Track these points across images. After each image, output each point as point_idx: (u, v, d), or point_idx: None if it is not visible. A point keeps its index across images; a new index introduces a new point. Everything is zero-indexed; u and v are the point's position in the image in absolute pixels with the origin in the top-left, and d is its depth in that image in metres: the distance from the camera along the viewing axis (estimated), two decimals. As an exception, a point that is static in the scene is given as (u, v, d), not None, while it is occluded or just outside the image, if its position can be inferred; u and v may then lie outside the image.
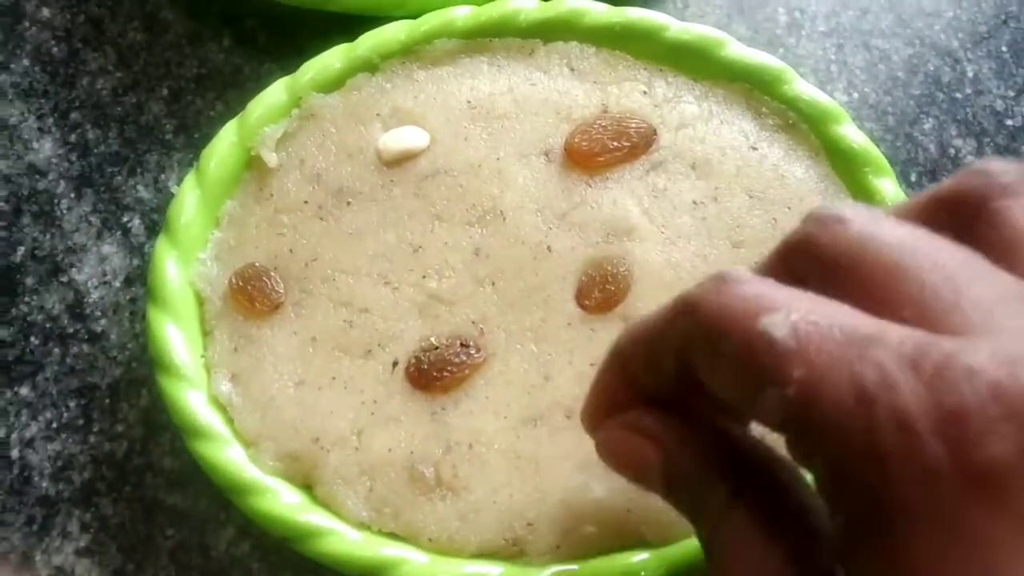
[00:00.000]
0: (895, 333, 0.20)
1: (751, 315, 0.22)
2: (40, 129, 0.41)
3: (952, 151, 0.40)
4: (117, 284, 0.39)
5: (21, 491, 0.36)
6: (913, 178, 0.40)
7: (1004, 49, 0.42)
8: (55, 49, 0.42)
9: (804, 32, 0.42)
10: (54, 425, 0.37)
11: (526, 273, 0.35)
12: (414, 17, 0.38)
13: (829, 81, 0.42)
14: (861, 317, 0.21)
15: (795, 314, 0.21)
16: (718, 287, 0.23)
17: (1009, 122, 0.41)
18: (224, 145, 0.37)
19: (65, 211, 0.40)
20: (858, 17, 0.43)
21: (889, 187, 0.36)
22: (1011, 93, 0.41)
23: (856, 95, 0.41)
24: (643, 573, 0.32)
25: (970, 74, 0.42)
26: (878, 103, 0.41)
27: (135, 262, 0.39)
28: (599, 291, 0.35)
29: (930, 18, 0.43)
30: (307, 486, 0.34)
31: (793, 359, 0.21)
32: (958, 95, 0.41)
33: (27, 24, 0.42)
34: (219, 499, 0.34)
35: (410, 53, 0.38)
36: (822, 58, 0.42)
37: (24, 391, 0.37)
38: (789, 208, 0.36)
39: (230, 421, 0.34)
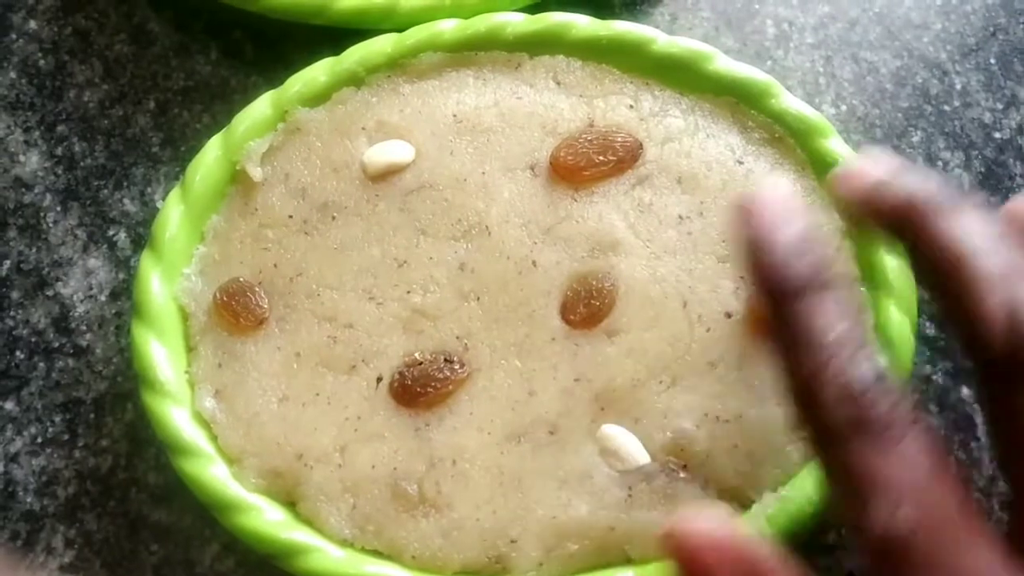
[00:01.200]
0: None
1: None
2: (26, 142, 0.41)
3: (940, 163, 0.40)
4: (103, 298, 0.39)
5: (5, 506, 0.36)
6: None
7: (992, 61, 0.42)
8: (42, 61, 0.42)
9: (792, 44, 0.42)
10: (39, 440, 0.37)
11: (511, 288, 0.35)
12: (400, 30, 0.38)
13: (817, 93, 0.42)
14: None
15: None
16: None
17: (997, 134, 0.41)
18: (209, 159, 0.37)
19: (51, 224, 0.40)
20: (846, 29, 0.43)
21: (875, 201, 0.36)
22: (999, 105, 0.41)
23: (844, 107, 0.41)
24: (626, 591, 0.32)
25: (958, 86, 0.42)
26: (866, 115, 0.41)
27: (121, 276, 0.39)
28: (584, 306, 0.35)
29: (918, 30, 0.43)
30: (290, 503, 0.34)
31: None
32: (946, 107, 0.41)
33: (14, 36, 0.42)
34: (204, 515, 0.34)
35: (396, 67, 0.38)
36: (810, 70, 0.42)
37: (9, 405, 0.37)
38: (775, 222, 0.36)
39: (214, 437, 0.34)
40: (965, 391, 0.37)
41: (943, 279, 0.27)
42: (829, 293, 0.26)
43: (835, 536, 0.35)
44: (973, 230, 0.27)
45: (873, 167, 0.29)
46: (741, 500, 0.33)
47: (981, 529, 0.25)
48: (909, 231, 0.28)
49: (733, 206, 0.29)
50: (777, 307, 0.27)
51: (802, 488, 0.33)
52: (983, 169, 0.40)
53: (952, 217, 0.27)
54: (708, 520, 0.25)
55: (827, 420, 0.25)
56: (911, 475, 0.24)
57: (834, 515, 0.32)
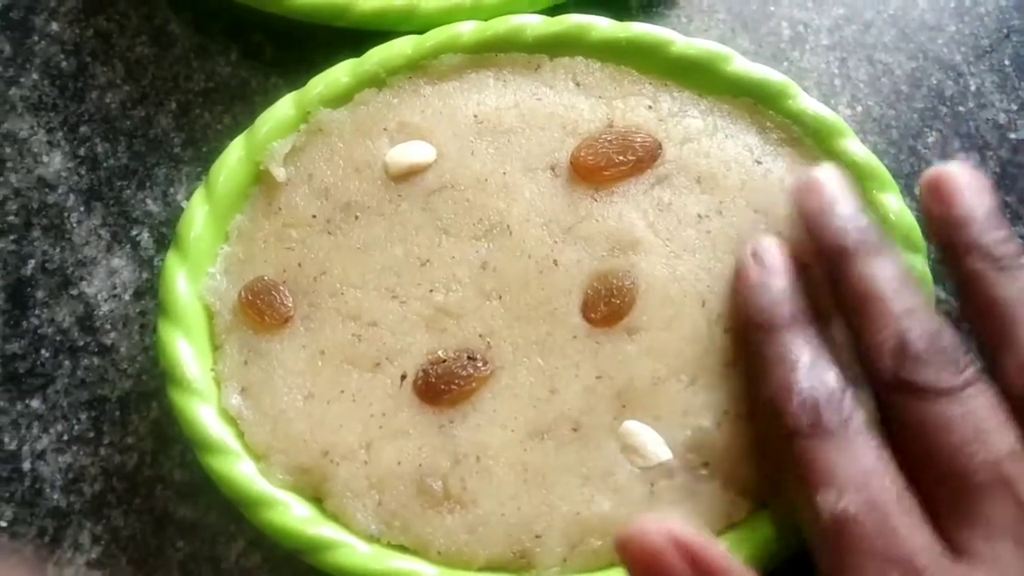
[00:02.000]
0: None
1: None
2: (50, 143, 0.41)
3: (955, 164, 0.41)
4: (127, 297, 0.39)
5: (33, 503, 0.36)
6: (917, 191, 0.40)
7: (1007, 63, 0.42)
8: (64, 63, 0.42)
9: (808, 46, 0.43)
10: (65, 437, 0.37)
11: (532, 287, 0.36)
12: (421, 32, 0.39)
13: (833, 95, 0.42)
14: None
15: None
16: None
17: (1012, 135, 0.41)
18: (233, 160, 0.37)
19: (75, 224, 0.40)
20: (861, 31, 0.43)
21: (893, 201, 0.36)
22: (1014, 106, 0.42)
23: (860, 108, 0.42)
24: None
25: (973, 88, 0.42)
26: (881, 117, 0.42)
27: (144, 275, 0.39)
28: (604, 304, 0.35)
29: (933, 32, 0.43)
30: (317, 499, 0.34)
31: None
32: (961, 109, 0.42)
33: (36, 38, 0.43)
34: (229, 511, 0.34)
35: (417, 68, 0.38)
36: (825, 72, 0.42)
37: (35, 404, 0.38)
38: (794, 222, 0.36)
39: (240, 434, 0.34)
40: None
41: (854, 314, 0.32)
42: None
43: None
44: (885, 274, 0.31)
45: (822, 190, 0.33)
46: (762, 497, 0.34)
47: (918, 515, 0.29)
48: (834, 266, 0.32)
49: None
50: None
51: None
52: (998, 169, 0.41)
53: (869, 260, 0.32)
54: (661, 522, 0.28)
55: (792, 422, 0.30)
56: (856, 468, 0.29)
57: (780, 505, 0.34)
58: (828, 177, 0.34)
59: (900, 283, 0.31)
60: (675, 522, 0.28)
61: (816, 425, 0.30)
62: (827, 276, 0.33)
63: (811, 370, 0.31)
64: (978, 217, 0.32)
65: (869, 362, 0.31)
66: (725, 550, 0.28)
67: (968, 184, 0.33)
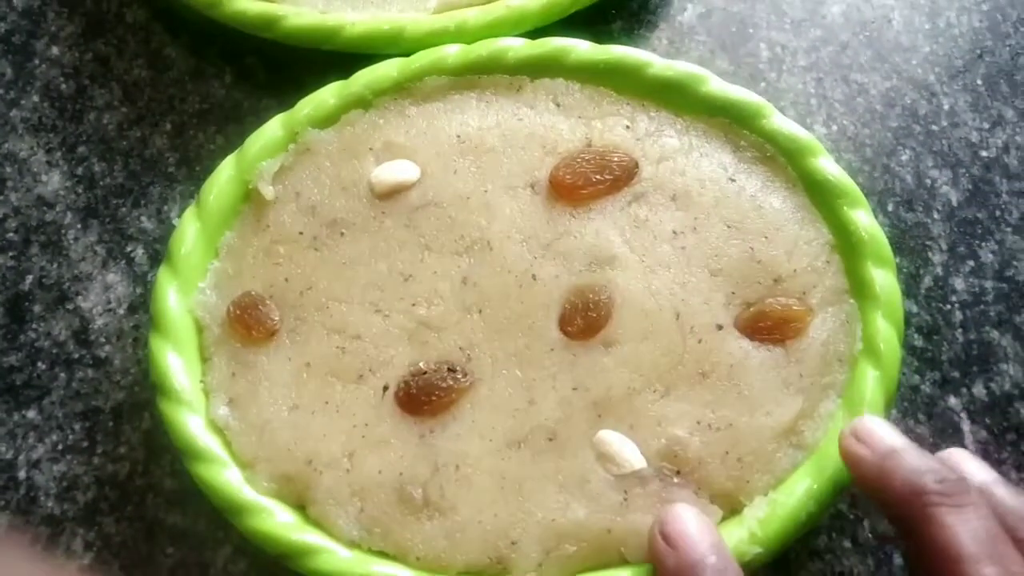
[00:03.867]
0: None
1: None
2: (48, 162, 0.42)
3: (928, 181, 0.42)
4: (121, 311, 0.40)
5: (28, 510, 0.38)
6: (890, 207, 0.41)
7: (979, 83, 0.43)
8: (63, 86, 0.44)
9: (785, 67, 0.44)
10: (60, 447, 0.38)
11: (512, 301, 0.37)
12: (406, 55, 0.40)
13: (809, 114, 0.43)
14: None
15: None
16: None
17: (984, 153, 0.42)
18: (223, 179, 0.38)
19: (72, 241, 0.41)
20: (837, 52, 0.44)
21: (863, 217, 0.37)
22: (986, 125, 0.43)
23: (835, 127, 0.43)
24: (622, 590, 0.33)
25: (946, 107, 0.43)
26: (856, 135, 0.43)
27: (138, 290, 0.40)
28: (581, 318, 0.36)
29: (907, 53, 0.44)
30: (300, 506, 0.35)
31: None
32: (934, 127, 0.43)
33: (37, 62, 0.44)
34: (217, 519, 0.35)
35: (402, 90, 0.40)
36: (802, 92, 0.43)
37: (31, 414, 0.39)
38: (766, 237, 0.37)
39: (227, 444, 0.36)
40: (952, 400, 0.38)
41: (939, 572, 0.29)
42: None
43: (826, 540, 0.37)
44: (972, 528, 0.29)
45: (877, 439, 0.32)
46: (732, 504, 0.34)
47: None
48: (911, 518, 0.30)
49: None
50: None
51: (792, 493, 0.34)
52: (970, 187, 0.42)
53: (953, 513, 0.29)
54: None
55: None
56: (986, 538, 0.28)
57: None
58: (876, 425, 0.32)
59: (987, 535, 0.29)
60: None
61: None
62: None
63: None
64: (910, 454, 0.31)
65: None
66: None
67: (880, 424, 0.32)
